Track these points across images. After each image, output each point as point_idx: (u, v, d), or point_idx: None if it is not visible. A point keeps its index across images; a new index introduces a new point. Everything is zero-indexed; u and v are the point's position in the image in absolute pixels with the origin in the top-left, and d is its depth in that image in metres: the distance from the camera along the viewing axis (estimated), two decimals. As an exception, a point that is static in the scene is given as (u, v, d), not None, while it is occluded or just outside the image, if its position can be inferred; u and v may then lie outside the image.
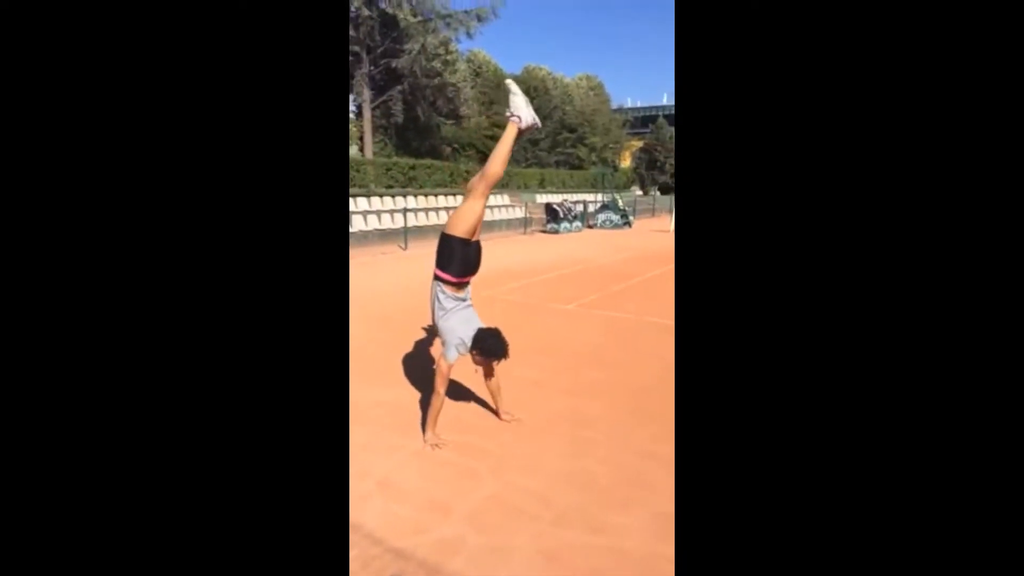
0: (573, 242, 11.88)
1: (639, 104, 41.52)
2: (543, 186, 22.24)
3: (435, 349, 4.04)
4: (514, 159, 25.83)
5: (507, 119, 2.50)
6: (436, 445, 2.52)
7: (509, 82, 2.62)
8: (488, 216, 14.18)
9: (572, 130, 27.73)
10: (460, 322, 2.51)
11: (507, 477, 2.30)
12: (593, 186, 23.04)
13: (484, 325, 2.54)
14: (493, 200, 16.15)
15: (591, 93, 29.54)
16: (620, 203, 16.50)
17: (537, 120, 2.54)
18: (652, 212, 21.11)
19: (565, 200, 15.65)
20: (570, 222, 14.21)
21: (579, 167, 27.77)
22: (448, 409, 2.75)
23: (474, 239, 2.51)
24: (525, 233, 13.76)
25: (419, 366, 3.69)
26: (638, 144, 33.07)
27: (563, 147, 27.95)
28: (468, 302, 2.60)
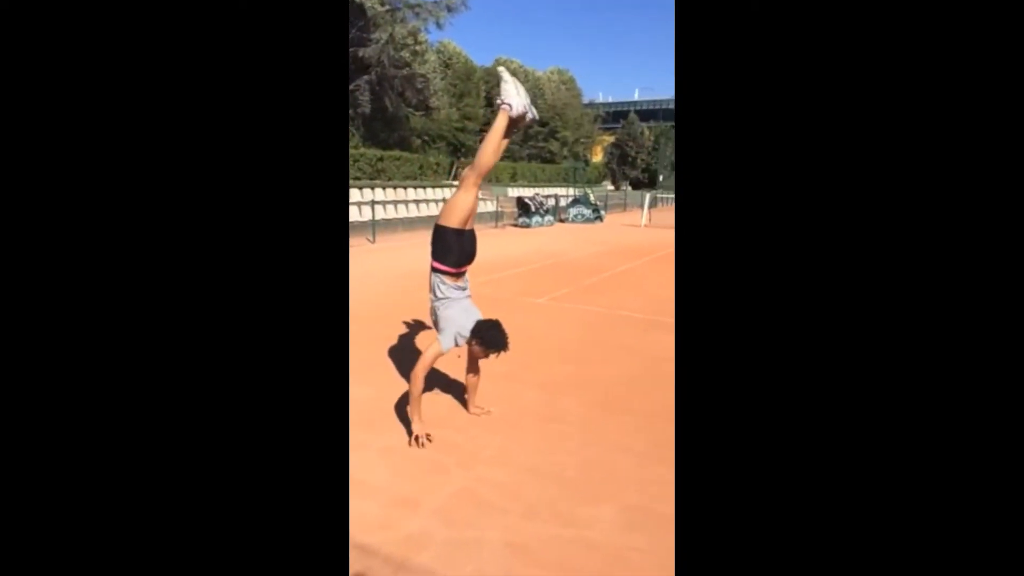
0: (545, 236, 11.90)
1: (610, 99, 41.84)
2: (515, 180, 22.21)
3: (403, 346, 3.99)
4: (486, 152, 25.66)
5: (497, 107, 2.46)
6: (422, 441, 2.44)
7: (501, 69, 2.56)
8: (459, 209, 14.06)
9: (544, 124, 27.75)
10: (460, 311, 2.50)
11: (477, 471, 2.29)
12: (565, 180, 23.13)
13: (483, 316, 2.52)
14: (465, 193, 16.03)
15: (563, 87, 29.61)
16: (592, 197, 16.61)
17: (531, 109, 2.46)
18: (624, 207, 21.31)
19: (537, 194, 15.67)
20: (542, 216, 14.23)
21: (551, 161, 27.83)
22: (417, 404, 2.72)
23: (468, 228, 2.51)
24: (496, 227, 13.72)
25: (386, 362, 3.64)
26: (610, 139, 33.33)
27: (535, 141, 27.95)
28: (468, 292, 2.59)
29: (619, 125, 33.17)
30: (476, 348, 2.51)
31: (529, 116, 2.46)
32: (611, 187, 27.39)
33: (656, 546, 1.82)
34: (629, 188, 26.95)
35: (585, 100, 32.45)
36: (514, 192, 18.13)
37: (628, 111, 34.28)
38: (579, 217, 15.57)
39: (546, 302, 5.50)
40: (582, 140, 29.86)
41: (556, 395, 3.10)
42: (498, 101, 2.46)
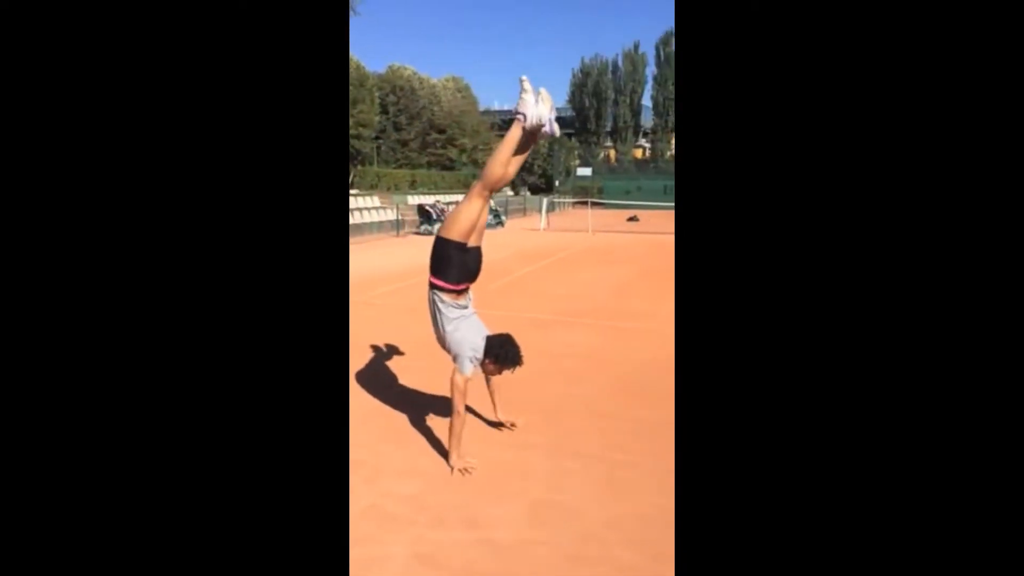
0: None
1: (506, 107, 42.59)
2: (414, 187, 21.94)
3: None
4: (383, 160, 25.17)
5: (513, 117, 2.33)
6: (465, 469, 2.34)
7: (523, 79, 2.35)
8: (359, 219, 13.64)
9: (441, 131, 27.70)
10: (471, 331, 2.39)
11: (383, 486, 2.25)
12: (465, 187, 23.19)
13: (491, 333, 2.42)
14: (364, 202, 15.57)
15: (459, 95, 29.73)
16: (491, 203, 16.81)
17: (551, 123, 2.29)
18: (523, 212, 21.81)
19: (438, 201, 15.58)
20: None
21: (450, 168, 27.83)
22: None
23: (472, 244, 2.38)
24: (398, 235, 13.47)
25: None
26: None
27: (433, 148, 27.81)
28: (472, 310, 2.47)
29: (515, 132, 33.92)
30: (490, 366, 2.41)
31: (546, 130, 2.29)
32: (511, 192, 27.94)
33: (559, 537, 1.91)
34: (528, 193, 27.64)
35: (481, 107, 32.85)
36: (414, 200, 17.90)
37: (523, 118, 35.15)
38: (481, 223, 15.67)
39: (450, 309, 5.50)
40: (480, 147, 30.17)
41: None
42: (514, 111, 2.33)
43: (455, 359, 2.36)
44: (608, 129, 35.66)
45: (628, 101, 34.93)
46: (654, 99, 34.68)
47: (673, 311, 4.54)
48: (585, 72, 35.60)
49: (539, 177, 30.27)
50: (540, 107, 2.27)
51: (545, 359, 3.86)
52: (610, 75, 35.35)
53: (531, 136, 2.32)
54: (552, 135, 2.33)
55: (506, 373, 2.44)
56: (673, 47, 33.91)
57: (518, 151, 2.34)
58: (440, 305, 2.37)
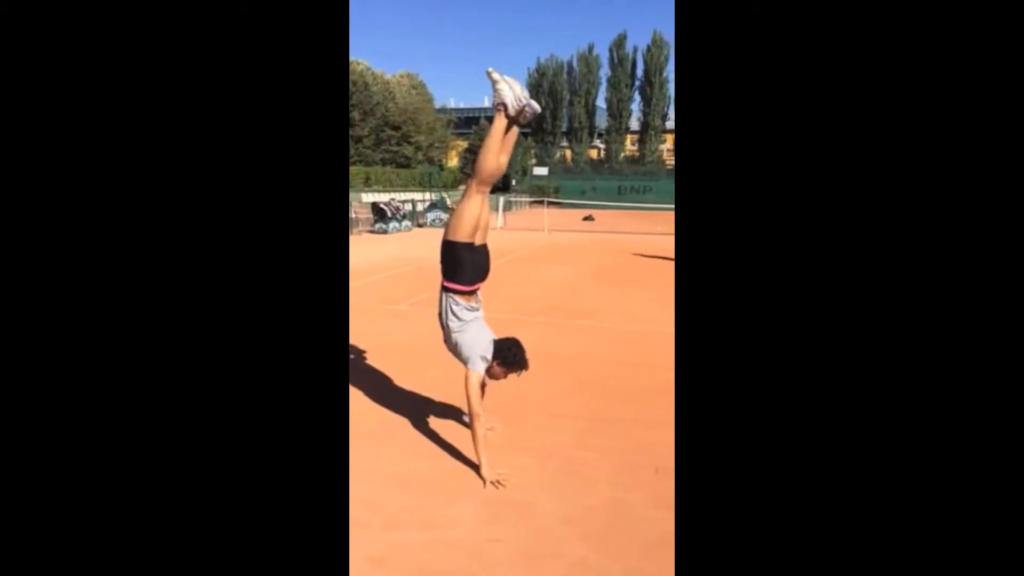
0: (403, 242, 11.72)
1: (462, 105, 42.44)
2: (369, 185, 21.54)
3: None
4: (336, 157, 24.50)
5: (495, 110, 2.33)
6: (498, 482, 2.22)
7: (490, 71, 2.34)
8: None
9: (396, 128, 27.29)
10: (479, 333, 2.36)
11: (335, 489, 2.20)
12: (421, 185, 22.96)
13: (496, 336, 2.38)
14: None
15: (413, 91, 29.39)
16: (449, 202, 16.70)
17: (531, 102, 2.31)
18: (480, 210, 21.74)
19: (393, 199, 15.36)
20: (399, 221, 13.98)
21: (406, 166, 27.46)
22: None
23: (479, 242, 2.34)
24: (353, 234, 13.19)
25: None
26: (463, 144, 33.81)
27: (388, 145, 27.37)
28: (481, 311, 2.42)
29: (471, 130, 33.86)
30: (496, 369, 2.36)
31: (529, 111, 2.31)
32: (468, 191, 27.82)
33: (515, 534, 1.92)
34: (485, 192, 27.61)
35: (436, 105, 32.59)
36: (369, 198, 17.58)
37: (479, 117, 35.10)
38: (437, 221, 15.57)
39: (407, 308, 5.44)
40: (436, 145, 29.93)
41: (421, 403, 3.09)
42: (494, 103, 2.32)
43: (467, 360, 2.32)
44: (564, 129, 36.05)
45: (583, 102, 35.43)
46: (608, 101, 35.31)
47: (627, 308, 4.65)
48: (541, 72, 35.87)
49: (496, 176, 30.29)
50: (516, 90, 2.29)
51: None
52: (565, 76, 35.75)
53: (515, 122, 2.34)
54: (535, 112, 2.36)
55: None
56: (626, 50, 34.63)
57: (506, 141, 2.35)
58: (454, 308, 2.34)
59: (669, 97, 34.46)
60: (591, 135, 36.21)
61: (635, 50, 34.78)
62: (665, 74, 34.24)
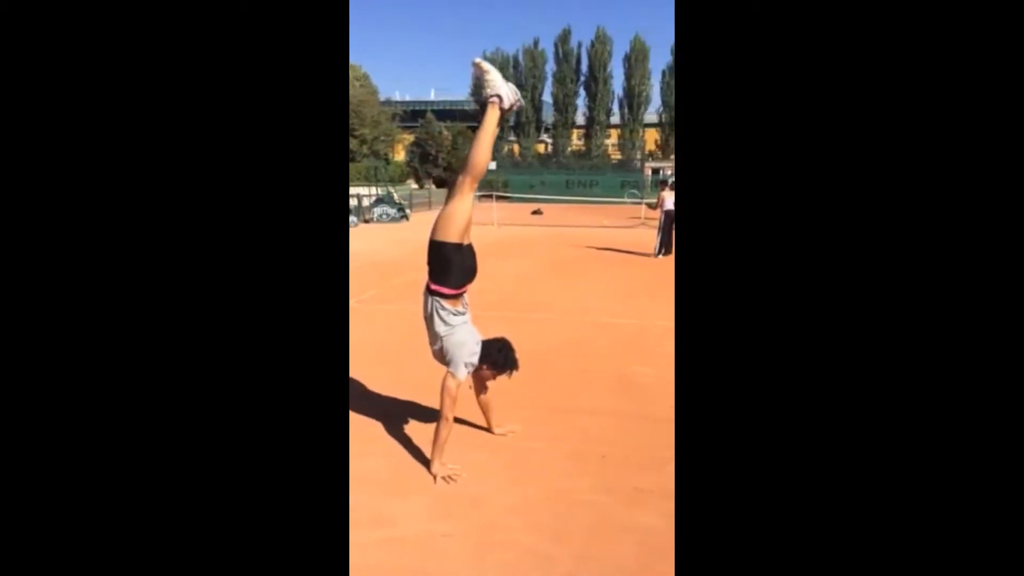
0: (350, 237, 11.44)
1: (407, 98, 41.67)
2: (312, 180, 20.84)
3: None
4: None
5: (487, 101, 2.19)
6: (449, 477, 2.22)
7: (479, 61, 2.22)
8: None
9: (340, 121, 26.52)
10: (468, 336, 2.26)
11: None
12: (367, 179, 22.47)
13: (485, 338, 2.31)
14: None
15: (357, 84, 28.65)
16: (395, 196, 16.44)
17: (519, 97, 2.23)
18: (429, 205, 21.52)
19: (337, 194, 14.91)
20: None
21: (351, 160, 26.77)
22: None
23: (466, 242, 2.23)
24: (295, 231, 12.74)
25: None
26: (410, 138, 33.28)
27: (331, 139, 26.57)
28: (468, 314, 2.32)
29: (417, 124, 33.38)
30: (486, 372, 2.33)
31: (519, 104, 2.23)
32: (415, 186, 27.44)
33: (464, 527, 1.93)
34: (433, 187, 27.32)
35: (381, 98, 31.91)
36: (312, 193, 17.00)
37: (425, 110, 34.62)
38: (384, 216, 15.31)
39: (355, 304, 5.33)
40: (382, 138, 29.33)
41: (369, 400, 3.05)
42: (486, 94, 2.18)
43: (450, 363, 2.24)
44: (511, 124, 36.10)
45: (529, 96, 35.53)
46: (554, 95, 35.59)
47: (578, 301, 4.74)
48: (487, 66, 35.69)
49: (444, 170, 30.01)
50: (507, 83, 2.21)
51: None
52: (511, 70, 35.75)
53: (505, 114, 2.25)
54: (522, 105, 2.32)
55: (499, 379, 2.40)
56: (570, 45, 35.00)
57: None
58: (441, 312, 2.24)
59: (613, 92, 35.10)
60: (538, 130, 36.42)
61: (579, 45, 35.21)
62: (609, 70, 34.83)
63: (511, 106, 2.19)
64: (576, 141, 36.75)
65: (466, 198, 2.21)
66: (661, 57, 55.20)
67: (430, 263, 2.25)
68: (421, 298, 2.36)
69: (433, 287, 2.24)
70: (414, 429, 2.70)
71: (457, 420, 2.77)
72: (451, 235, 2.19)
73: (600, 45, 34.78)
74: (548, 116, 36.62)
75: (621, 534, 1.90)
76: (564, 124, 35.47)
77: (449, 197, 2.27)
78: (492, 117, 2.19)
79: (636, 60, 34.43)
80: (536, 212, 18.24)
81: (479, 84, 2.30)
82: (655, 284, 6.55)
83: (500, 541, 1.87)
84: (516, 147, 36.34)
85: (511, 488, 2.19)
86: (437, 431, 2.25)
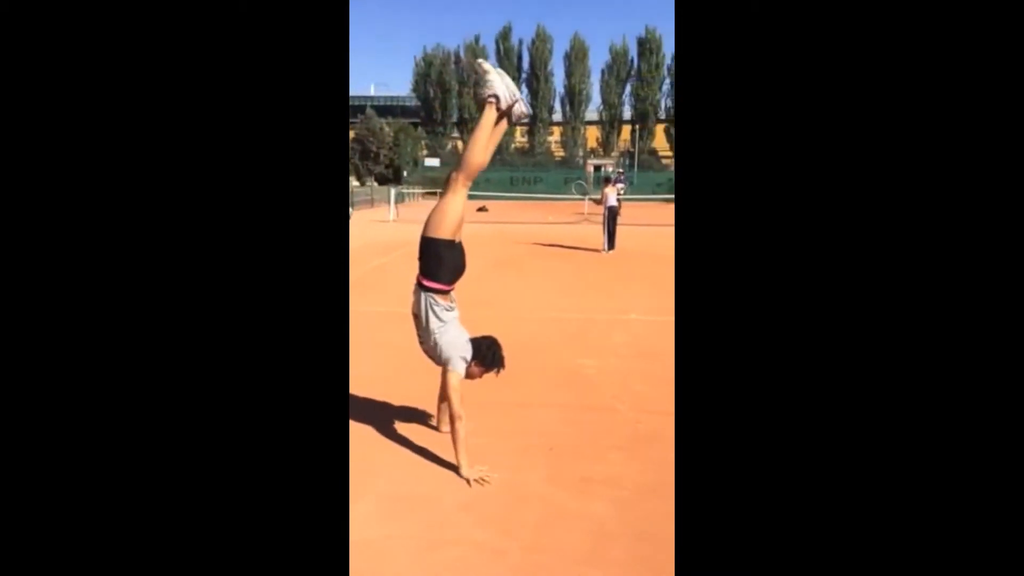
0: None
1: (346, 93, 40.57)
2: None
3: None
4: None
5: (484, 100, 2.20)
6: (483, 479, 2.16)
7: (480, 61, 2.25)
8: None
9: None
10: (459, 332, 2.28)
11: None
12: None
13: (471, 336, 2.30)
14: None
15: (292, 77, 27.59)
16: (336, 194, 15.95)
17: (520, 98, 2.23)
18: (371, 203, 21.06)
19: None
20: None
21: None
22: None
23: (457, 239, 2.25)
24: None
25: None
26: (351, 134, 32.42)
27: (266, 134, 25.50)
28: (457, 311, 2.33)
29: (356, 120, 32.57)
30: (474, 369, 2.29)
31: (520, 108, 2.23)
32: (356, 183, 26.77)
33: (413, 528, 1.90)
34: (375, 184, 26.72)
35: (319, 92, 30.86)
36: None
37: (365, 106, 33.81)
38: (325, 215, 14.84)
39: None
40: (320, 134, 28.34)
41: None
42: (483, 94, 2.20)
43: (447, 362, 2.25)
44: (455, 120, 35.87)
45: (472, 93, 35.42)
46: (497, 92, 35.56)
47: (525, 297, 4.77)
48: (428, 62, 35.32)
49: (386, 167, 29.43)
50: (509, 84, 2.22)
51: (403, 354, 3.80)
52: (453, 66, 35.49)
53: (504, 116, 2.26)
54: (526, 114, 2.31)
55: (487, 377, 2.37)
56: (512, 42, 35.14)
57: (493, 135, 2.28)
58: (435, 308, 2.24)
59: (555, 90, 35.54)
60: (481, 126, 36.33)
61: (520, 43, 35.40)
62: (550, 68, 35.25)
63: (509, 106, 2.22)
64: (520, 138, 36.96)
65: (459, 195, 2.24)
66: (600, 56, 56.32)
67: (422, 259, 2.26)
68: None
69: (426, 283, 2.25)
70: (361, 426, 2.64)
71: (402, 418, 2.73)
72: (444, 231, 2.22)
73: (541, 43, 35.13)
74: (491, 113, 36.57)
75: (570, 524, 1.93)
76: (507, 121, 35.51)
77: (443, 194, 2.29)
78: (487, 117, 2.23)
79: (576, 59, 35.01)
80: (481, 209, 18.22)
81: (478, 83, 2.28)
82: (599, 279, 6.70)
83: (450, 539, 1.85)
84: (460, 144, 36.13)
85: (461, 485, 2.17)
86: (454, 431, 2.22)
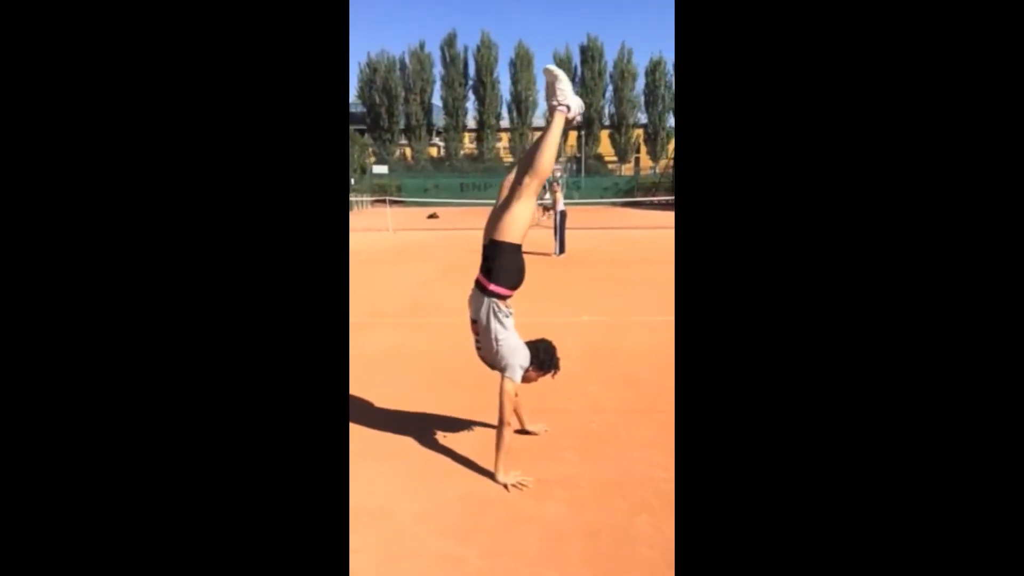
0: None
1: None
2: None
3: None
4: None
5: (553, 108, 2.18)
6: (520, 484, 2.19)
7: (551, 67, 2.18)
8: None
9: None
10: (518, 340, 2.27)
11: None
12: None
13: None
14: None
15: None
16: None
17: (583, 108, 2.27)
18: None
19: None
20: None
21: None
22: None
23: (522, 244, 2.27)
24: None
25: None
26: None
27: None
28: (513, 316, 2.31)
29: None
30: (531, 373, 2.31)
31: (579, 116, 2.27)
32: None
33: (372, 542, 1.89)
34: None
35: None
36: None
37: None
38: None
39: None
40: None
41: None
42: (553, 102, 2.18)
43: (506, 369, 2.23)
44: (402, 127, 35.48)
45: (419, 99, 35.19)
46: (443, 99, 35.51)
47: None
48: (373, 68, 34.81)
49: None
50: (574, 93, 2.25)
51: (355, 364, 3.74)
52: (398, 72, 35.15)
53: (569, 123, 2.27)
54: (581, 116, 2.36)
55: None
56: (457, 48, 35.13)
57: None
58: (499, 314, 2.22)
59: (501, 97, 35.76)
60: (429, 133, 36.16)
61: (465, 49, 35.46)
62: (496, 74, 35.44)
63: (575, 116, 2.25)
64: (468, 144, 36.96)
65: (532, 202, 2.24)
66: (545, 63, 56.93)
67: (490, 263, 2.22)
68: (470, 302, 2.33)
69: (491, 287, 2.22)
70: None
71: (356, 432, 2.70)
72: (515, 236, 2.22)
73: (486, 50, 35.26)
74: (439, 119, 36.48)
75: (526, 526, 1.97)
76: (455, 127, 35.51)
77: (509, 199, 2.27)
78: (558, 124, 2.22)
79: (521, 66, 35.33)
80: (432, 216, 18.13)
81: (550, 90, 2.23)
82: (551, 283, 6.79)
83: (410, 551, 1.85)
84: (408, 151, 35.80)
85: (418, 496, 2.17)
86: (500, 438, 2.22)
